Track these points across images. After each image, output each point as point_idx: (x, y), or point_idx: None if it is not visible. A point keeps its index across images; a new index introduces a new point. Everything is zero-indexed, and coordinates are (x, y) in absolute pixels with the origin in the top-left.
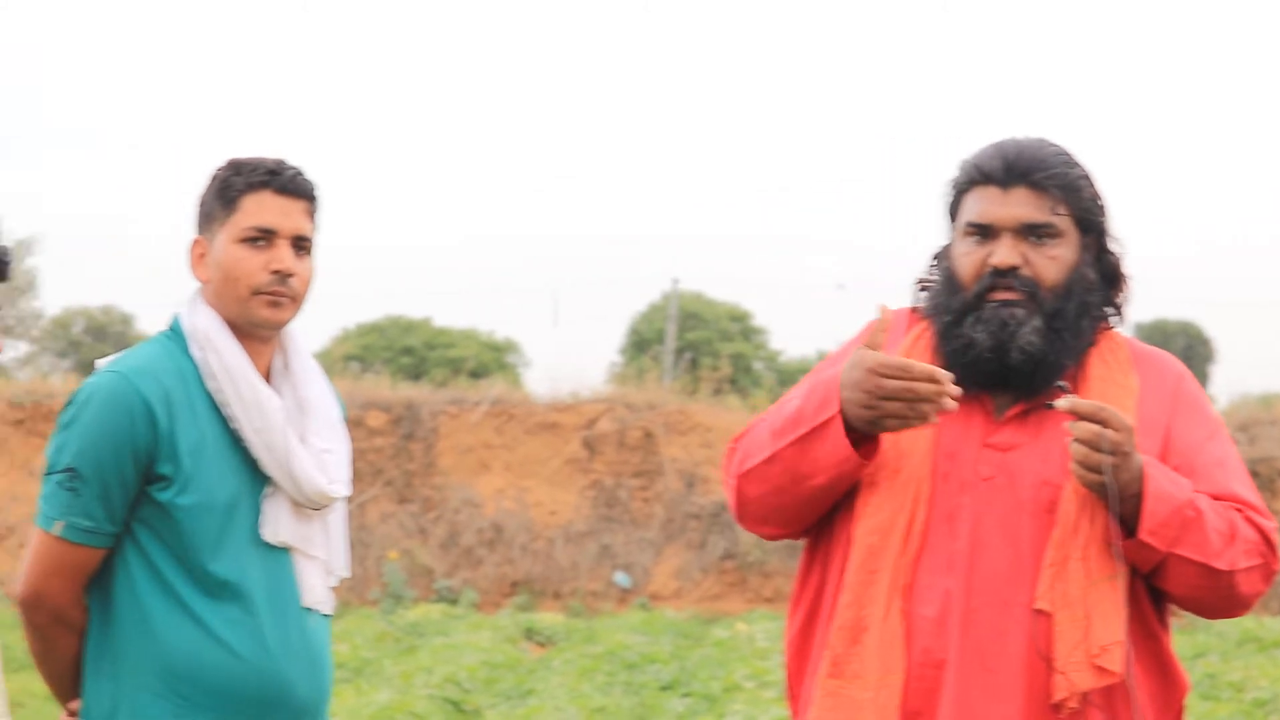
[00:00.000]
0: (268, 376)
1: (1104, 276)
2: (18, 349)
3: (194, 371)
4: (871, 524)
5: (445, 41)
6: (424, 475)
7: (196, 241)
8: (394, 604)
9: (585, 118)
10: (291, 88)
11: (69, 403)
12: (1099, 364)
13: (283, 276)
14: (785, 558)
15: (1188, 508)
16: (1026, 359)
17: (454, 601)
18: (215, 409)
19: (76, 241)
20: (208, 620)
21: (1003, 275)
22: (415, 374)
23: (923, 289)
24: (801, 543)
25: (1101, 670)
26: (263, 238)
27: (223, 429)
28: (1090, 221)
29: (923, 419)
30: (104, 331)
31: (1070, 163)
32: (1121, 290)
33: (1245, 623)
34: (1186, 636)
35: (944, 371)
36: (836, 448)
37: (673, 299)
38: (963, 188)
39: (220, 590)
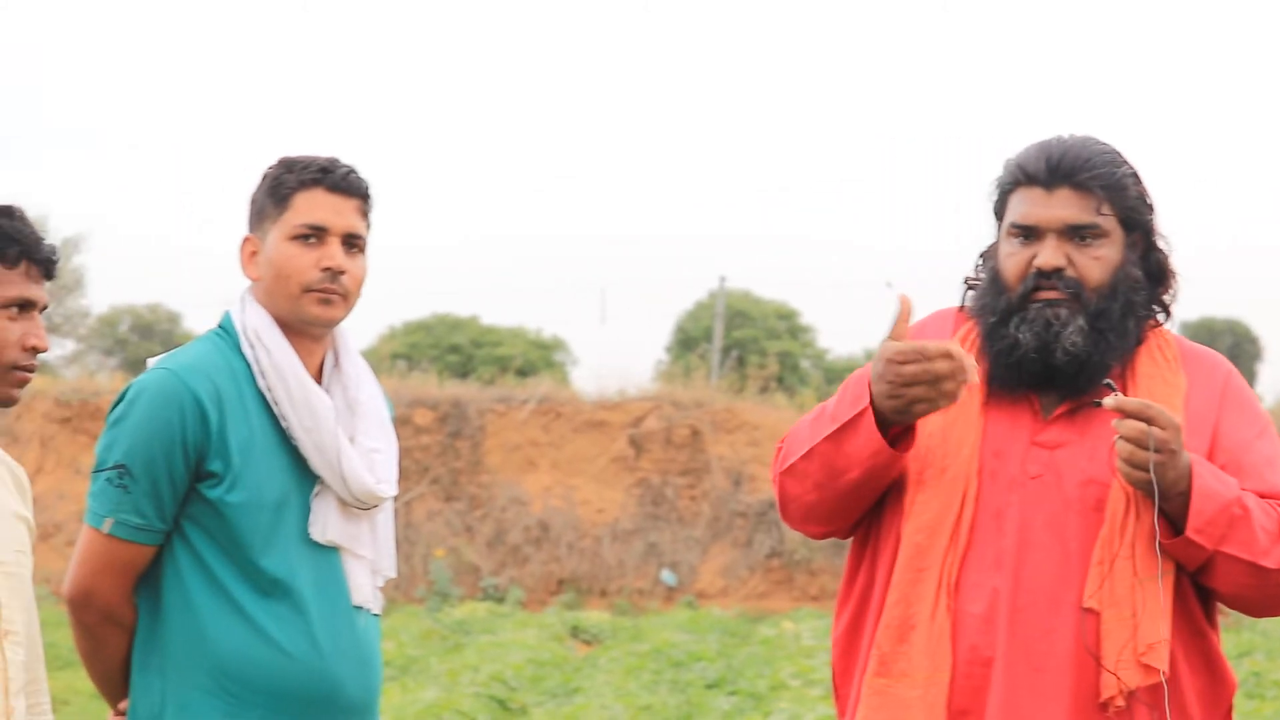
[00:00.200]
0: (318, 375)
1: (1150, 275)
2: (64, 347)
3: (245, 369)
4: (919, 522)
5: (490, 39)
6: (471, 473)
7: (248, 239)
8: (440, 602)
9: (636, 117)
10: (303, 87)
11: (119, 400)
12: (1147, 362)
13: (334, 274)
14: (831, 556)
15: (1235, 505)
16: (1071, 359)
17: (500, 599)
18: (266, 407)
19: (125, 240)
20: (258, 618)
21: (1047, 276)
22: (462, 372)
23: (970, 288)
24: (848, 541)
25: (1149, 668)
26: (314, 235)
27: (273, 427)
28: (1135, 220)
29: (950, 398)
30: (151, 330)
31: (1116, 162)
32: (1168, 288)
33: None
34: (1232, 635)
35: (957, 345)
36: (869, 440)
37: (720, 297)
38: (1007, 188)
39: (270, 588)
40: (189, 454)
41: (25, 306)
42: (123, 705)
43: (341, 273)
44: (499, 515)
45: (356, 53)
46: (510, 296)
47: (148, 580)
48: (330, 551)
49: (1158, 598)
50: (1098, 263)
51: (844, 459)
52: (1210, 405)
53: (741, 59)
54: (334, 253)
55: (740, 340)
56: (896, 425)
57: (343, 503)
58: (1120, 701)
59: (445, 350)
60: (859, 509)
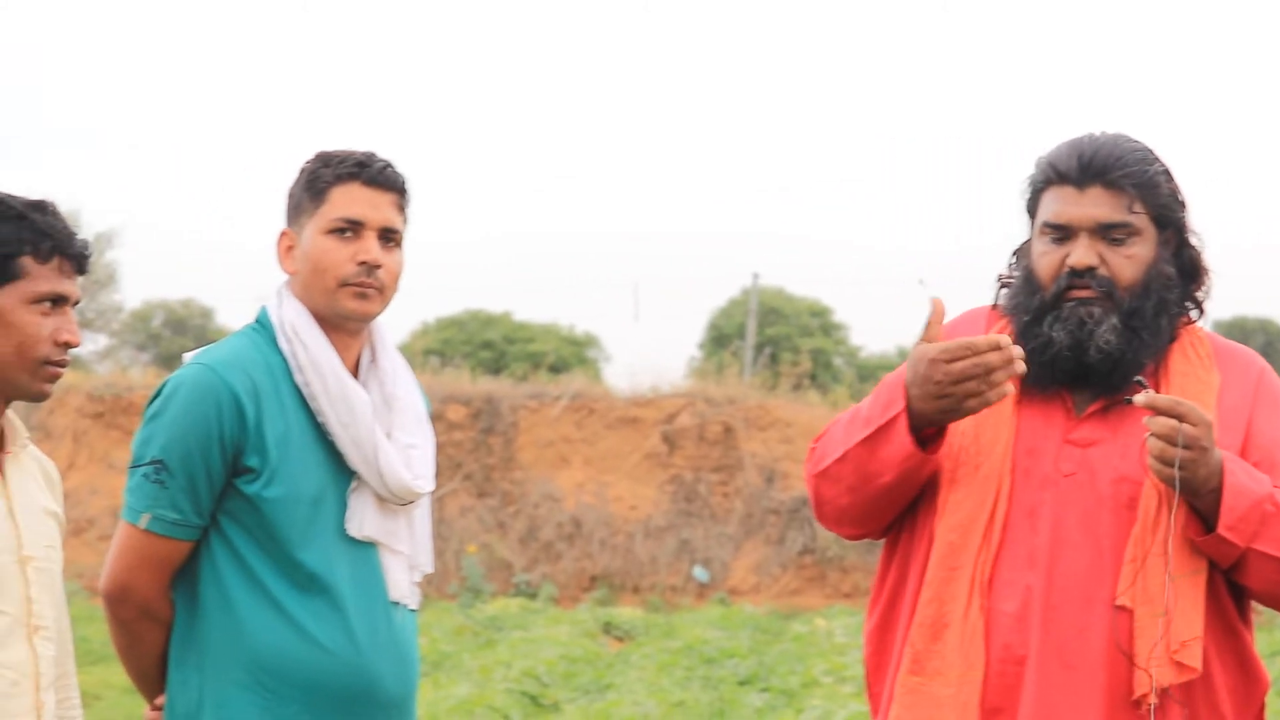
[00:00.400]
0: (355, 370)
1: (1183, 272)
2: (97, 342)
3: (282, 364)
4: (952, 520)
5: (525, 34)
6: (503, 469)
7: (284, 234)
8: (473, 598)
9: (671, 113)
10: (336, 81)
11: (155, 395)
12: (1180, 359)
13: (370, 268)
14: (864, 553)
15: (1267, 502)
16: (1104, 358)
17: (533, 595)
18: (302, 402)
19: (158, 235)
20: (295, 614)
21: (1080, 275)
22: (495, 368)
23: (1003, 286)
24: (880, 539)
25: (1182, 666)
26: (350, 229)
27: (309, 422)
28: (1168, 218)
29: (1000, 392)
30: (184, 325)
31: (1147, 159)
32: (1201, 285)
33: None
34: (1265, 633)
35: (1005, 337)
36: (901, 445)
37: (753, 294)
38: (1039, 186)
39: (307, 584)
40: (226, 449)
41: (58, 301)
42: (159, 700)
43: (378, 267)
44: (532, 511)
45: (388, 47)
46: (543, 293)
47: (184, 576)
48: (367, 547)
49: (1193, 595)
50: (1130, 261)
51: (877, 463)
52: (1244, 402)
53: (780, 55)
54: (370, 247)
55: (773, 337)
56: (932, 428)
57: (380, 498)
58: (1153, 699)
59: (478, 346)
60: (892, 511)
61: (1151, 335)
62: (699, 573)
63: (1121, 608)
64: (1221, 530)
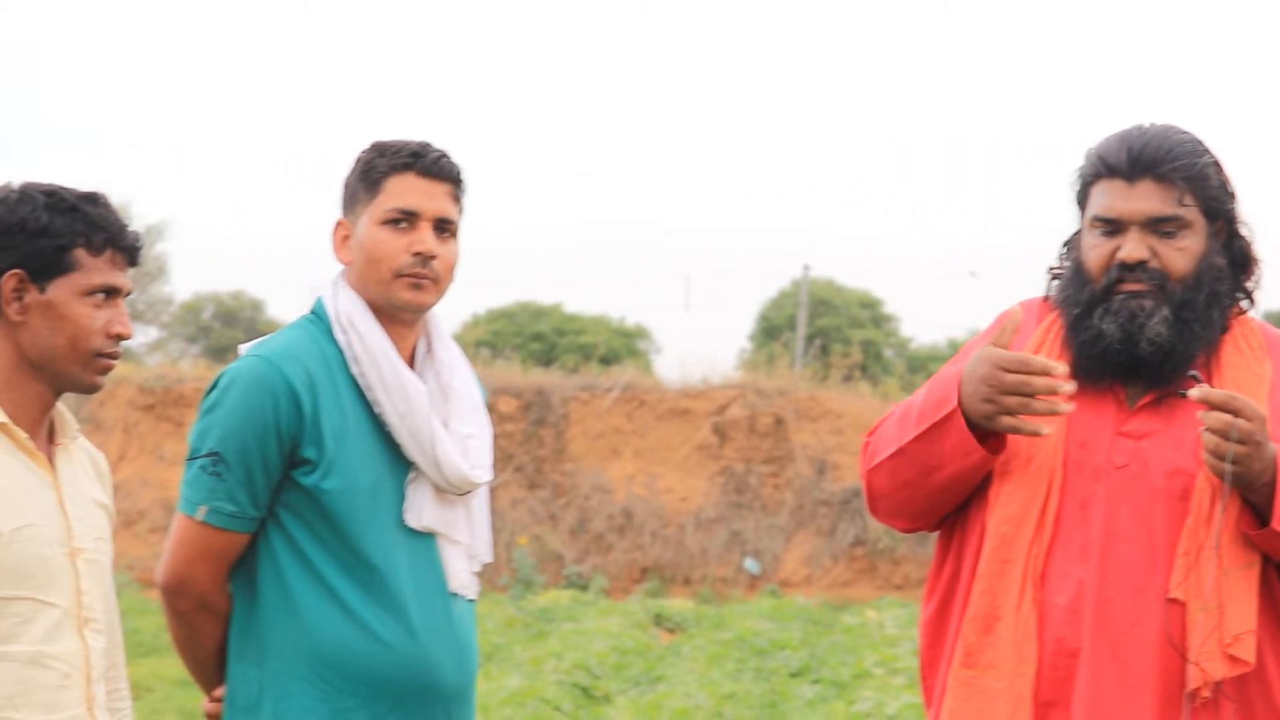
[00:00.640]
0: (411, 361)
1: (1233, 263)
2: (148, 334)
3: (338, 356)
4: (1004, 513)
5: (578, 24)
6: (554, 461)
7: (340, 224)
8: (524, 589)
9: (724, 106)
10: (383, 70)
11: (212, 387)
12: (1232, 351)
13: (424, 258)
14: (915, 545)
15: None
16: (1155, 350)
17: (584, 587)
18: (359, 393)
19: (208, 227)
20: (354, 606)
21: (1131, 269)
22: (546, 360)
23: (1054, 277)
24: (934, 532)
25: (1234, 660)
26: (405, 220)
27: (366, 413)
28: (1218, 209)
29: (1035, 428)
30: (234, 317)
31: (1197, 151)
32: (1252, 275)
33: None
34: None
35: (1061, 365)
36: (961, 439)
37: (804, 286)
38: (1089, 179)
39: (366, 575)
40: (283, 440)
41: (110, 293)
42: (218, 692)
43: (432, 257)
44: (582, 503)
45: (436, 35)
46: (594, 284)
47: (242, 568)
48: (426, 538)
49: (1246, 589)
50: (1181, 254)
51: (935, 457)
52: None
53: (834, 48)
54: (425, 237)
55: (823, 329)
56: (981, 429)
57: (438, 489)
58: (1206, 693)
59: (529, 338)
60: (947, 506)
61: (1203, 327)
62: (750, 564)
63: (1174, 601)
64: (1275, 525)
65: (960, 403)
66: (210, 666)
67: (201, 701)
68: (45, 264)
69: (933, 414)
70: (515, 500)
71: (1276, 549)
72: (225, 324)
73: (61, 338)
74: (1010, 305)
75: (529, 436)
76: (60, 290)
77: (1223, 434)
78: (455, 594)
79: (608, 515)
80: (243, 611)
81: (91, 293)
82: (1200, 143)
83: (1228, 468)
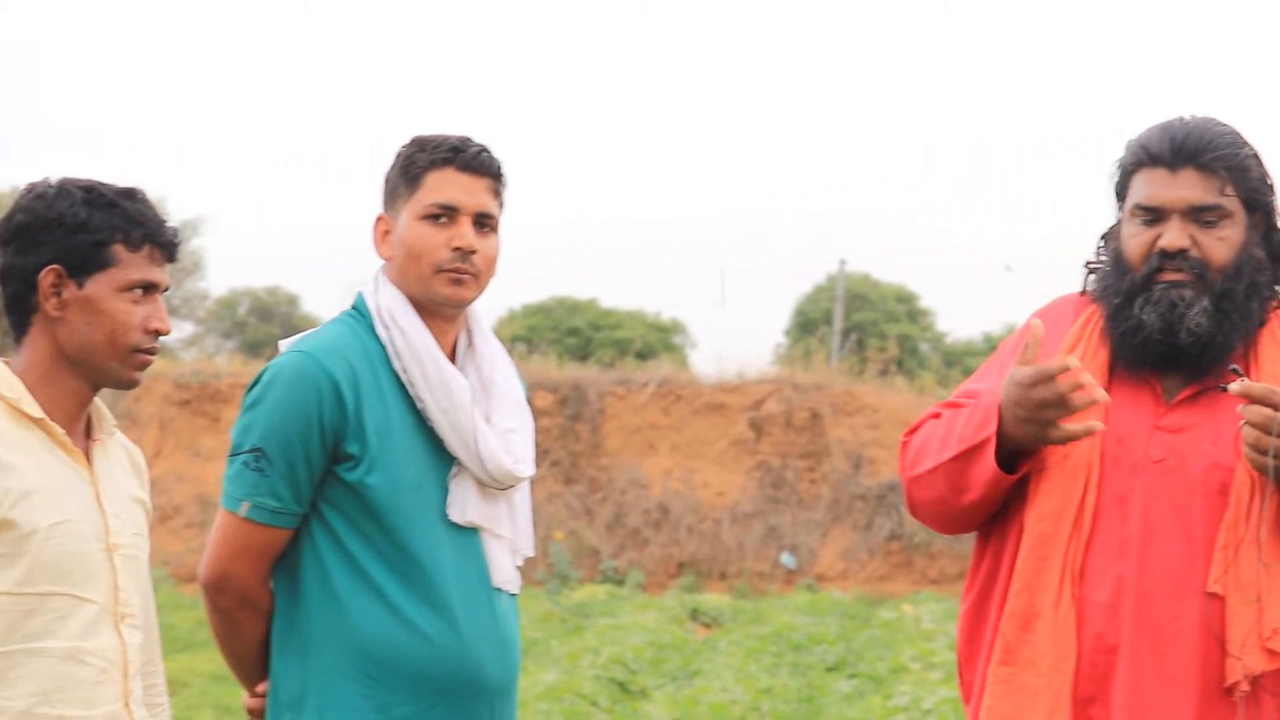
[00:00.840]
0: (452, 355)
1: (1273, 255)
2: (183, 329)
3: (380, 351)
4: (1042, 510)
5: (611, 16)
6: (590, 456)
7: (380, 219)
8: (560, 584)
9: (758, 100)
10: (403, 68)
11: (254, 383)
12: (1270, 343)
13: (464, 253)
14: (951, 540)
15: None
16: (1195, 340)
17: (620, 582)
18: (401, 389)
19: (244, 223)
20: (398, 602)
21: (1171, 257)
22: (581, 355)
23: (1091, 272)
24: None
25: (1274, 653)
26: (445, 215)
27: (408, 409)
28: (1258, 201)
29: (1087, 427)
30: (269, 312)
31: (1238, 143)
32: None
33: None
34: None
35: (1074, 359)
36: (986, 468)
37: (840, 280)
38: (1130, 169)
39: (410, 571)
40: (326, 436)
41: (148, 289)
42: (260, 688)
43: (472, 252)
44: (619, 498)
45: (473, 30)
46: (629, 279)
47: (284, 564)
48: (469, 533)
49: None
50: (1222, 244)
51: (965, 480)
52: None
53: (865, 42)
54: (465, 232)
55: (859, 323)
56: (1024, 450)
57: (480, 484)
58: (1245, 687)
59: (564, 333)
60: (983, 517)
61: (1242, 318)
62: (786, 559)
63: (1214, 595)
64: None
65: (1004, 430)
66: (251, 662)
67: (243, 697)
68: (83, 259)
69: (970, 437)
70: (551, 495)
71: None
72: (261, 319)
73: (99, 333)
74: (1041, 305)
75: (565, 431)
76: (98, 286)
77: (1264, 428)
78: (498, 589)
79: (644, 510)
80: (285, 607)
81: (129, 288)
82: (1241, 135)
83: (1270, 462)
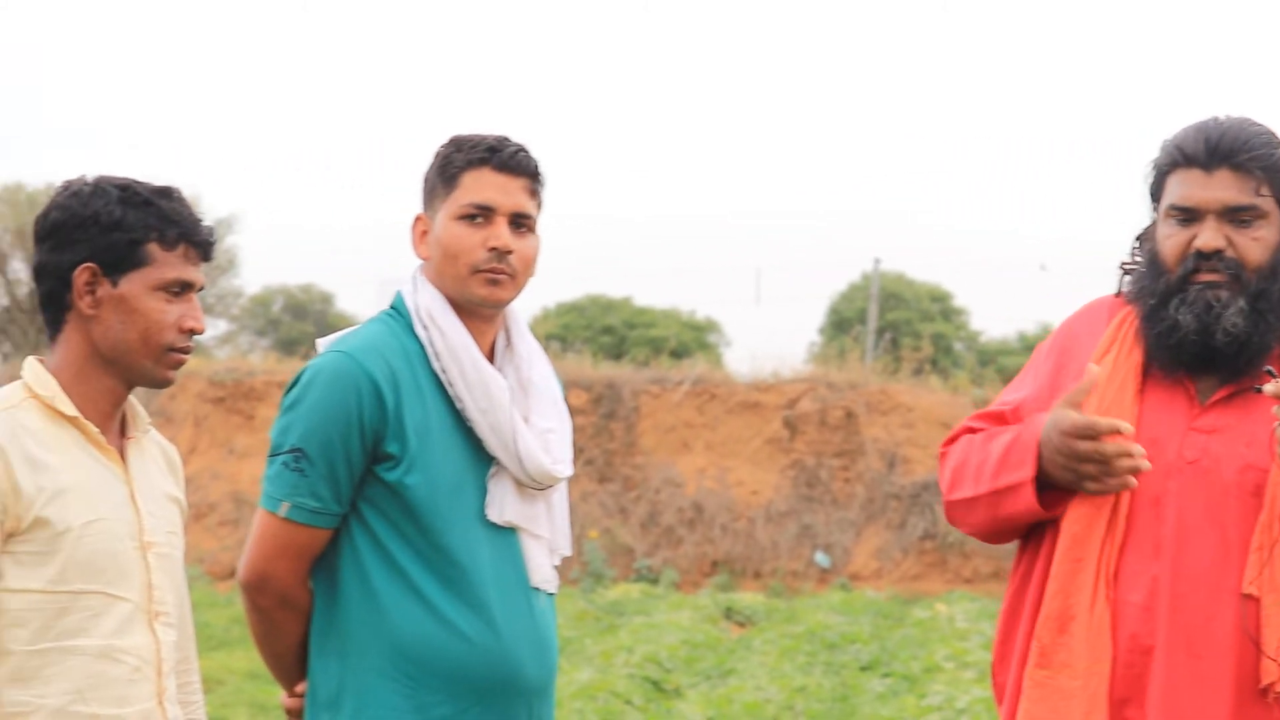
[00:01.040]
0: (491, 355)
1: None
2: (217, 327)
3: (419, 351)
4: (1076, 512)
5: (647, 18)
6: (625, 454)
7: (419, 219)
8: (594, 583)
9: (791, 98)
10: (440, 66)
11: (293, 383)
12: None
13: (501, 254)
14: None
15: None
16: (1231, 340)
17: (654, 581)
18: (440, 388)
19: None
20: (436, 602)
21: (1206, 258)
22: (616, 353)
23: (1126, 273)
24: None
25: None
26: (481, 215)
27: (447, 409)
28: None
29: (1122, 483)
30: (304, 309)
31: (1273, 143)
32: None
33: None
34: None
35: (1127, 425)
36: (1027, 508)
37: (874, 279)
38: (1165, 169)
39: (449, 570)
40: (365, 436)
41: (182, 288)
42: (299, 688)
43: (509, 252)
44: (653, 497)
45: (509, 27)
46: (664, 277)
47: (323, 564)
48: (508, 533)
49: None
50: (1257, 244)
51: (1002, 512)
52: None
53: (899, 42)
54: (501, 232)
55: (894, 322)
56: (1062, 485)
57: (519, 483)
58: None
59: (598, 331)
60: (1024, 532)
61: (1278, 318)
62: (820, 558)
63: (1249, 596)
64: None
65: (1042, 467)
66: (290, 662)
67: (281, 696)
68: (118, 258)
69: (1008, 474)
70: (586, 493)
71: None
72: (295, 317)
73: (133, 332)
74: (1075, 304)
75: (599, 430)
76: (133, 284)
77: None
78: (536, 588)
79: (678, 509)
80: (324, 607)
81: (164, 287)
82: (1276, 135)
83: None
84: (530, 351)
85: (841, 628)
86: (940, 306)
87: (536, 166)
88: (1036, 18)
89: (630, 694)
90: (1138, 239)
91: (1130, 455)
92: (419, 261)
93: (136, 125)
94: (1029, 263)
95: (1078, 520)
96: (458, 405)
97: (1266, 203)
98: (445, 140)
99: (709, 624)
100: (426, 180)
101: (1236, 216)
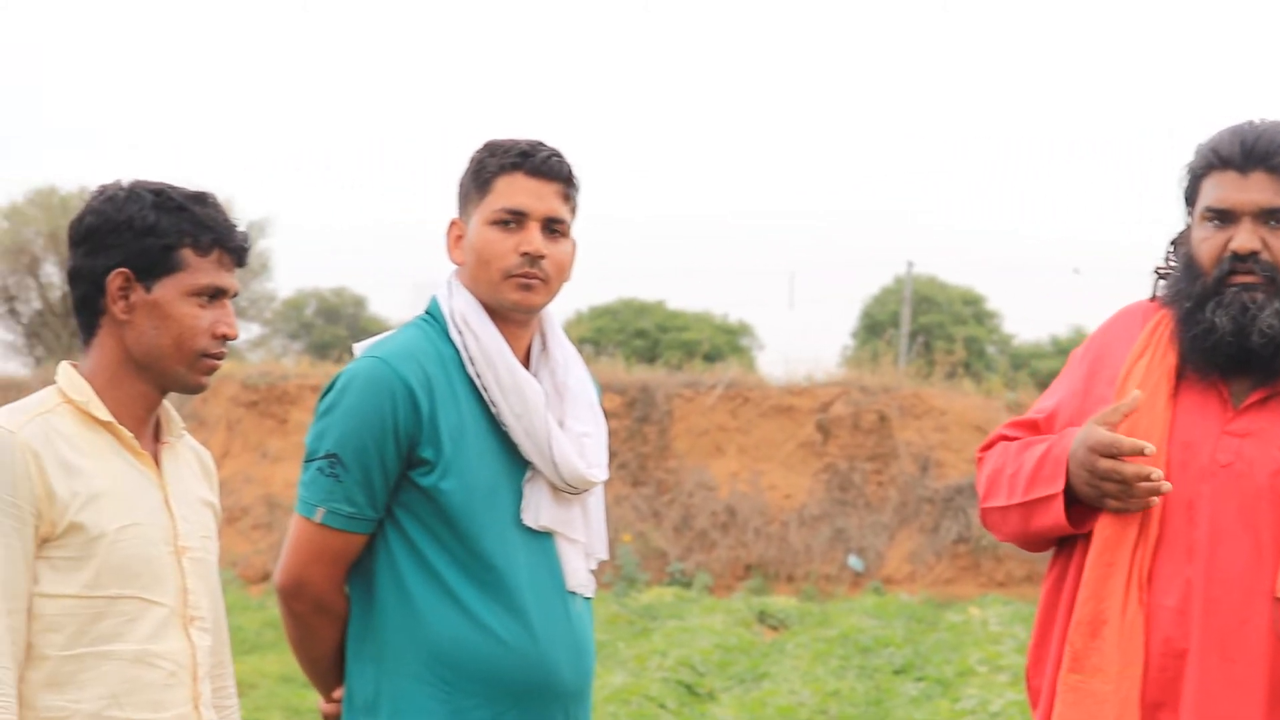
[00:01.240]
0: (526, 360)
1: None
2: (250, 331)
3: (454, 356)
4: (1109, 516)
5: (672, 16)
6: (658, 458)
7: (454, 223)
8: (628, 587)
9: (824, 101)
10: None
11: (328, 388)
12: None
13: (533, 259)
14: None
15: None
16: (1267, 342)
17: (687, 584)
18: (475, 393)
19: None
20: (472, 606)
21: (1242, 260)
22: (649, 357)
23: (1161, 277)
24: None
25: None
26: (514, 220)
27: (482, 413)
28: None
29: (1142, 504)
30: (336, 313)
31: None
32: None
33: None
34: None
35: (1150, 445)
36: (1056, 522)
37: (907, 282)
38: (1200, 173)
39: (485, 575)
40: (400, 441)
41: (216, 294)
42: (336, 693)
43: (541, 257)
44: (686, 500)
45: (541, 26)
46: (696, 281)
47: (359, 569)
48: (543, 537)
49: None
50: None
51: (1032, 524)
52: None
53: (932, 44)
54: (533, 237)
55: (926, 325)
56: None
57: (554, 488)
58: None
59: (632, 335)
60: (1054, 544)
61: None
62: (853, 561)
63: None
64: None
65: (1069, 480)
66: (326, 667)
67: (319, 702)
68: (152, 263)
69: (1039, 488)
70: (619, 497)
71: None
72: (328, 320)
73: (167, 337)
74: (1109, 309)
75: (633, 433)
76: (166, 290)
77: None
78: (572, 592)
79: (711, 512)
80: (360, 612)
81: (197, 293)
82: None
83: None
84: (566, 356)
85: (875, 631)
86: (973, 310)
87: (570, 171)
88: (1071, 20)
89: (664, 698)
90: (1173, 243)
91: (1149, 478)
92: (454, 266)
93: (136, 125)
94: (1062, 266)
95: (1110, 524)
96: (493, 410)
97: None
98: (480, 145)
99: (742, 628)
100: (461, 185)
101: (1272, 218)
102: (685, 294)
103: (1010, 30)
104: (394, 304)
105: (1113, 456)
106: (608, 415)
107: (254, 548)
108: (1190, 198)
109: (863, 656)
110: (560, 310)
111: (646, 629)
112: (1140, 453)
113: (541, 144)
